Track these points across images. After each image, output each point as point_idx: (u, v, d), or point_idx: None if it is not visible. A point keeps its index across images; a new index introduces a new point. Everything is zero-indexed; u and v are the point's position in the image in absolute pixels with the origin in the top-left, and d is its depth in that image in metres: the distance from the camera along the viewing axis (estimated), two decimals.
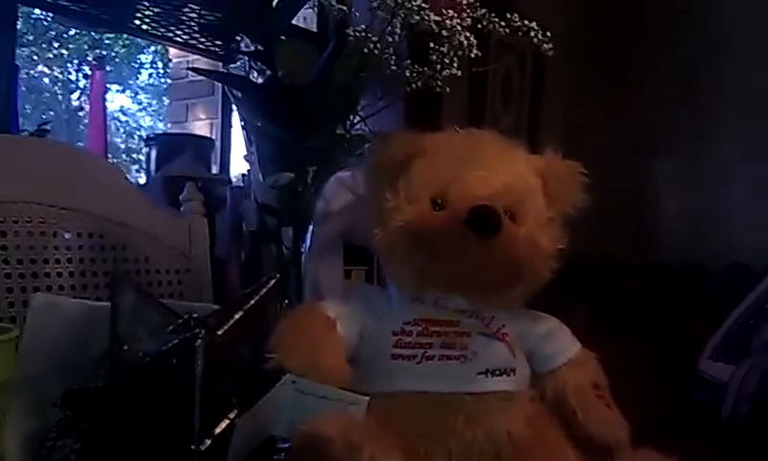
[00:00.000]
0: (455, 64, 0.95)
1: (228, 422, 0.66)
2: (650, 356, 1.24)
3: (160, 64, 4.25)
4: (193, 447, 0.64)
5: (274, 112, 0.94)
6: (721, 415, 1.06)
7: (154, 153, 2.50)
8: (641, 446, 0.68)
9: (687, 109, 2.19)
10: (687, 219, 2.20)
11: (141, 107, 4.62)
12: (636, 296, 1.93)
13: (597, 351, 0.80)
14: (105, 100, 3.42)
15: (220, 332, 0.71)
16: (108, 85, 3.63)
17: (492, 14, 0.95)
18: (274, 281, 0.80)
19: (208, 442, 0.64)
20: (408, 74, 0.96)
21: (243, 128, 1.00)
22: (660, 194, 2.28)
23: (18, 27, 2.51)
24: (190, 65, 2.93)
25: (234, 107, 1.01)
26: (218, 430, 0.65)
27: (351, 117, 0.99)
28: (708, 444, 0.94)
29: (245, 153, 1.04)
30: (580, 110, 2.37)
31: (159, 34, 2.40)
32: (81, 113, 4.01)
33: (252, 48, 0.98)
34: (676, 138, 2.23)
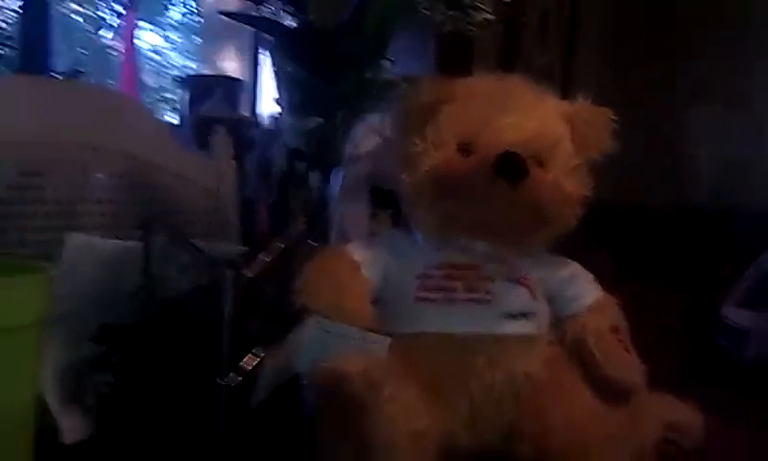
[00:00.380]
0: (487, 8, 0.94)
1: (255, 359, 0.68)
2: (677, 302, 1.24)
3: (192, 2, 4.22)
4: (221, 381, 0.66)
5: (303, 56, 0.94)
6: (743, 361, 1.06)
7: (185, 94, 2.52)
8: (661, 390, 0.69)
9: (724, 49, 2.14)
10: (721, 163, 2.17)
11: (173, 45, 4.59)
12: (665, 240, 1.91)
13: (622, 297, 0.80)
14: (136, 38, 3.42)
15: (249, 273, 0.73)
16: (138, 23, 3.61)
17: None
18: (302, 225, 0.81)
19: (236, 377, 0.67)
20: (439, 17, 0.95)
21: (275, 72, 1.00)
22: (694, 137, 2.24)
23: None
24: (220, 5, 2.92)
25: (267, 51, 1.01)
26: (245, 367, 0.68)
27: (381, 61, 0.99)
28: (730, 390, 0.94)
29: (275, 96, 1.04)
30: (618, 58, 2.32)
31: None
32: (112, 52, 4.01)
33: None
34: (713, 83, 2.18)
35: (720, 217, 1.89)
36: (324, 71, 0.93)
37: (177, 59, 4.39)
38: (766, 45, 2.09)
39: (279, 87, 1.00)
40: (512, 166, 0.70)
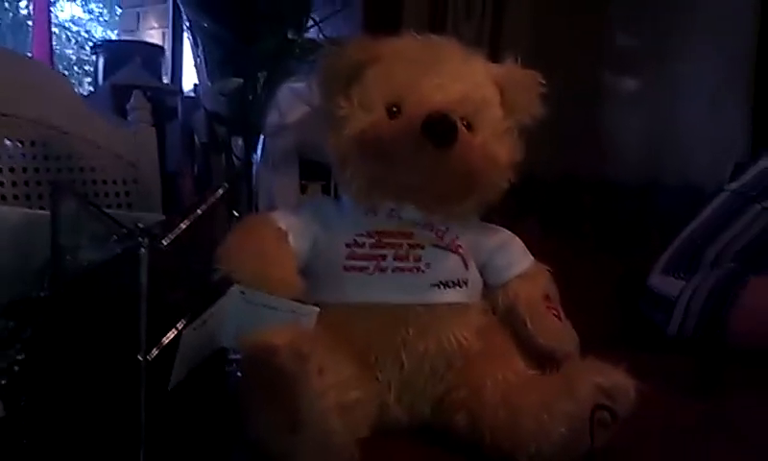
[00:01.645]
0: None
1: (175, 332, 0.64)
2: (605, 271, 1.25)
3: None
4: (140, 356, 0.62)
5: (221, 12, 0.89)
6: (668, 329, 1.08)
7: (101, 61, 2.41)
8: (592, 357, 0.68)
9: (651, 24, 2.17)
10: (645, 136, 2.20)
11: (92, 16, 4.44)
12: (592, 211, 1.94)
13: (551, 264, 0.80)
14: (50, 7, 3.28)
15: (165, 242, 0.69)
16: None
17: None
18: (222, 191, 0.77)
19: (155, 352, 0.63)
20: None
21: (188, 29, 0.95)
22: (619, 111, 2.27)
23: None
24: None
25: (180, 6, 0.96)
26: (165, 341, 0.64)
27: (304, 21, 0.95)
28: (657, 356, 0.95)
29: (192, 56, 0.99)
30: (544, 23, 2.32)
31: None
32: (29, 23, 3.85)
33: None
34: (638, 54, 2.20)
35: (648, 187, 1.92)
36: (244, 29, 0.88)
37: (97, 30, 4.25)
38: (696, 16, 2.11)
39: (196, 46, 0.95)
40: (439, 128, 0.67)
